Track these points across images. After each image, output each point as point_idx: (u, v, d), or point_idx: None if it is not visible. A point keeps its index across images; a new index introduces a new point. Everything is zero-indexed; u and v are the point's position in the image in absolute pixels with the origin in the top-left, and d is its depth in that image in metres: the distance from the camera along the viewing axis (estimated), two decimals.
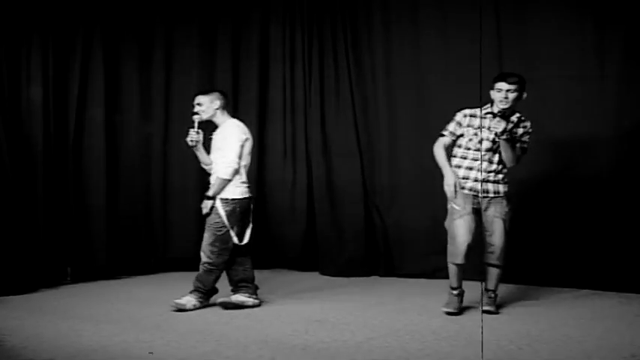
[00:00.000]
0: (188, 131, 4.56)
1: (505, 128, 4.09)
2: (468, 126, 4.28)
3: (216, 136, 4.63)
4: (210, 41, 6.44)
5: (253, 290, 4.63)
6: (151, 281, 5.76)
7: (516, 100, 4.18)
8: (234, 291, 4.60)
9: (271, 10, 6.48)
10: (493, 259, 4.24)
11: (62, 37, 5.56)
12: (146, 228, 6.15)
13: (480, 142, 4.23)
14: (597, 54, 4.94)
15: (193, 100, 4.67)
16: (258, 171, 6.48)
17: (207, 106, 4.59)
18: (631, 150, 4.82)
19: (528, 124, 4.26)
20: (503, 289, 4.94)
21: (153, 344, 3.58)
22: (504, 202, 4.24)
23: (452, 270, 4.30)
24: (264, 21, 6.50)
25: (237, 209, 4.49)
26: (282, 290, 5.26)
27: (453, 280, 4.30)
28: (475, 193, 4.23)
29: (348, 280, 5.68)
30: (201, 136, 4.57)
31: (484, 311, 4.09)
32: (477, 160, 4.24)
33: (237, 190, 4.49)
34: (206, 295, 4.52)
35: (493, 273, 4.29)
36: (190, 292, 4.48)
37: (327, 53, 6.21)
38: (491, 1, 5.39)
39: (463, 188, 4.25)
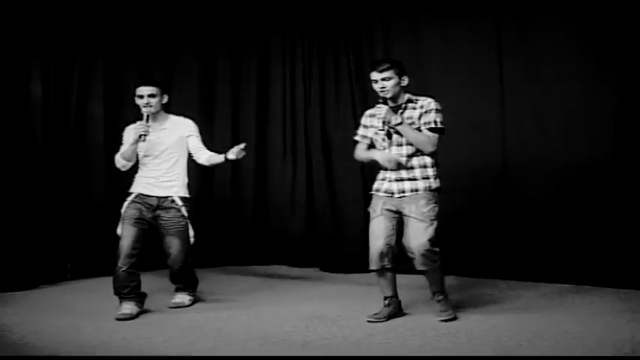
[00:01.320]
0: (142, 126, 4.22)
1: (387, 112, 3.85)
2: (371, 126, 4.10)
3: (167, 131, 4.37)
4: (211, 41, 6.44)
5: (143, 298, 4.34)
6: (151, 278, 5.74)
7: (397, 85, 3.94)
8: (126, 299, 4.26)
9: (272, 11, 6.48)
10: (417, 264, 3.84)
11: (62, 38, 5.57)
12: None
13: (389, 137, 3.96)
14: (597, 54, 4.93)
15: (135, 88, 4.36)
16: (258, 170, 6.49)
17: (159, 99, 4.34)
18: (631, 149, 4.81)
19: (426, 102, 3.96)
20: (503, 285, 4.95)
21: (153, 340, 3.58)
22: (422, 202, 3.87)
23: (376, 278, 4.04)
24: (265, 22, 6.50)
25: (190, 208, 4.47)
26: (282, 287, 5.27)
27: (381, 288, 4.05)
28: (389, 195, 3.95)
29: (348, 276, 5.68)
30: (149, 129, 4.25)
31: (442, 320, 3.85)
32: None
33: (187, 190, 4.48)
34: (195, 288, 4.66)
35: (429, 277, 3.96)
36: (179, 291, 4.58)
37: (327, 53, 6.21)
38: (492, 1, 5.38)
39: (378, 191, 4.02)
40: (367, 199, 6.00)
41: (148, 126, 4.22)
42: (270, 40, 6.51)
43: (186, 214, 4.38)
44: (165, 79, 6.28)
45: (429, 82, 5.67)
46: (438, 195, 3.99)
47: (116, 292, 4.23)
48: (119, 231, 4.30)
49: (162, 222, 4.34)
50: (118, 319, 4.06)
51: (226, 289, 5.19)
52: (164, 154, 4.37)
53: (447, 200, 5.47)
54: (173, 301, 4.49)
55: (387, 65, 3.96)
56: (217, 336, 3.66)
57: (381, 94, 3.96)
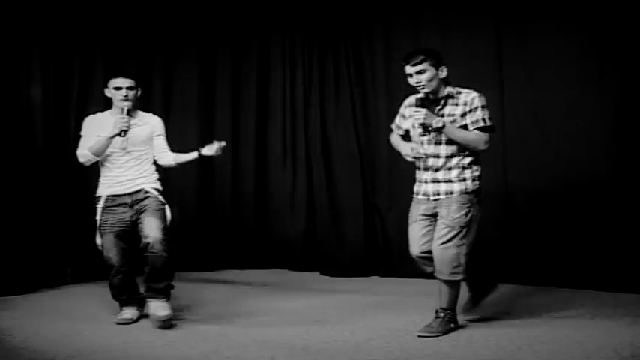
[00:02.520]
0: (123, 120, 4.02)
1: (426, 117, 3.54)
2: (410, 117, 3.74)
3: (140, 127, 4.17)
4: (211, 42, 6.45)
5: (143, 301, 4.18)
6: None
7: (435, 78, 3.60)
8: (127, 304, 4.18)
9: (272, 11, 6.49)
10: (436, 272, 3.65)
11: (62, 39, 5.58)
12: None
13: (423, 135, 3.68)
14: (597, 55, 4.94)
15: (108, 82, 4.19)
16: (258, 171, 6.50)
17: (136, 92, 4.13)
18: (631, 150, 4.82)
19: (469, 97, 3.61)
20: (504, 289, 4.95)
21: (153, 344, 3.58)
22: (454, 207, 3.61)
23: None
24: (265, 22, 6.51)
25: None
26: (282, 290, 5.26)
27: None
28: (427, 197, 3.73)
29: (348, 280, 5.69)
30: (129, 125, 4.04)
31: (419, 335, 3.58)
32: (430, 157, 3.70)
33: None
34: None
35: (442, 289, 3.70)
36: (157, 297, 4.01)
37: (326, 53, 6.22)
38: (492, 2, 5.39)
39: (418, 194, 3.81)
40: (367, 201, 6.08)
41: (128, 120, 4.00)
42: (271, 42, 6.52)
43: (164, 201, 4.15)
44: (166, 80, 6.30)
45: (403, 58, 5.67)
46: (476, 197, 3.68)
47: (115, 298, 4.18)
48: (98, 241, 4.09)
49: (139, 208, 4.05)
50: (119, 324, 4.02)
51: (226, 292, 5.19)
52: (135, 150, 4.14)
53: None
54: (160, 313, 3.91)
55: (421, 57, 3.60)
56: (217, 340, 3.66)
57: (421, 90, 3.64)
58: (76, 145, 5.67)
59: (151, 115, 4.34)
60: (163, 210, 4.10)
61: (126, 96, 4.05)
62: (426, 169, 3.76)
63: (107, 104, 5.85)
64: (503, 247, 5.26)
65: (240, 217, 6.45)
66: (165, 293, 4.03)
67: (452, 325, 3.71)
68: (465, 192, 3.65)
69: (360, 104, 6.07)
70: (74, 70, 5.69)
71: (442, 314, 3.70)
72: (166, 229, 4.03)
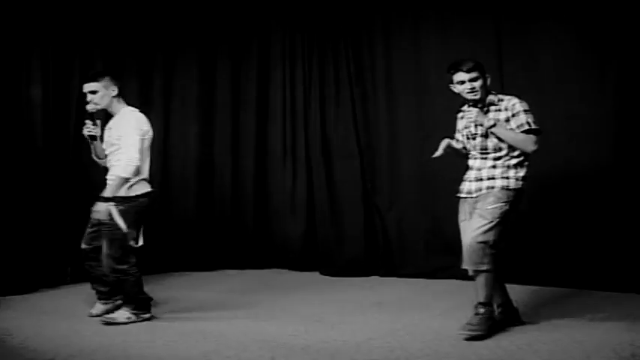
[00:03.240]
0: (84, 123, 4.10)
1: (477, 115, 3.65)
2: (462, 118, 3.92)
3: (113, 127, 4.10)
4: (211, 42, 6.45)
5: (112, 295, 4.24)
6: (151, 281, 5.74)
7: (485, 85, 3.72)
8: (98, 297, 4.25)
9: (272, 12, 6.49)
10: (463, 262, 3.65)
11: (62, 39, 5.58)
12: (145, 228, 6.13)
13: (472, 138, 3.80)
14: (597, 55, 4.94)
15: (80, 88, 4.18)
16: (258, 171, 6.50)
17: (102, 93, 4.03)
18: (631, 150, 4.82)
19: (511, 104, 3.72)
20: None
21: (153, 344, 3.58)
22: (492, 198, 3.63)
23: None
24: (265, 22, 6.51)
25: (133, 209, 3.98)
26: (282, 290, 5.26)
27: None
28: (470, 196, 3.78)
29: (348, 280, 5.69)
30: (99, 128, 4.07)
31: (465, 339, 3.52)
32: (475, 159, 3.81)
33: (133, 187, 4.00)
34: (139, 306, 4.07)
35: (476, 282, 3.68)
36: (123, 305, 4.10)
37: (327, 53, 6.22)
38: (492, 1, 5.40)
39: (461, 192, 3.87)
40: (367, 201, 6.08)
41: (94, 126, 4.04)
42: (271, 42, 6.52)
43: (114, 212, 3.89)
44: (166, 80, 6.29)
45: (429, 84, 5.68)
46: (515, 196, 3.70)
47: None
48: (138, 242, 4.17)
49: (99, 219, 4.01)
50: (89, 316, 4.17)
51: (226, 292, 5.19)
52: (112, 152, 4.08)
53: (445, 200, 5.52)
54: (108, 315, 4.06)
55: (473, 64, 3.69)
56: (218, 340, 3.66)
57: (471, 97, 3.72)
58: (75, 145, 5.71)
59: (129, 111, 4.15)
60: (114, 229, 3.90)
61: (89, 101, 4.07)
62: (472, 168, 3.84)
63: None
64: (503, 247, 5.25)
65: (240, 217, 6.45)
66: (126, 302, 4.06)
67: (491, 322, 3.64)
68: (507, 188, 3.69)
69: (360, 104, 6.07)
70: (74, 70, 5.68)
71: (482, 310, 3.63)
72: (116, 252, 3.94)
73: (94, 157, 4.28)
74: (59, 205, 5.55)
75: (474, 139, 3.80)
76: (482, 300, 3.65)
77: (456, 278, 5.37)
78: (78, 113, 5.72)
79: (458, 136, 4.01)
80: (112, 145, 4.07)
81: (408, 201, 5.82)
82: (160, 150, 6.24)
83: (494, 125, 3.66)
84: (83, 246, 4.23)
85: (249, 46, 6.51)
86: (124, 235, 3.95)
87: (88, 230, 4.20)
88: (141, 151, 4.01)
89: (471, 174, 3.84)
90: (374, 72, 6.01)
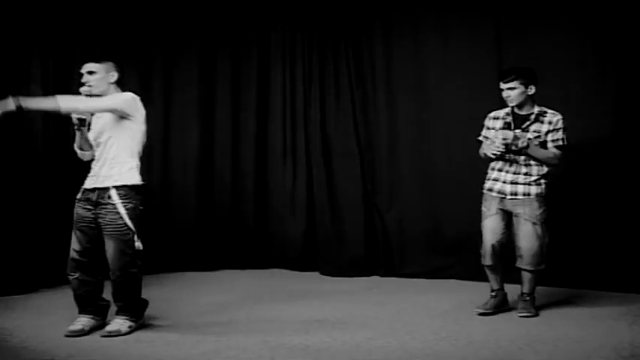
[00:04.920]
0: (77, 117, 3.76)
1: (514, 139, 4.05)
2: (493, 128, 4.28)
3: (105, 114, 3.74)
4: (211, 42, 6.45)
5: (104, 309, 3.91)
6: (150, 281, 5.74)
7: (523, 94, 4.12)
8: (84, 311, 3.86)
9: (272, 11, 6.49)
10: (522, 263, 4.13)
11: (62, 39, 5.58)
12: (146, 228, 6.13)
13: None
14: (597, 54, 4.95)
15: (79, 69, 3.87)
16: (258, 171, 6.50)
17: (101, 76, 3.72)
18: (631, 150, 4.82)
19: (555, 118, 4.13)
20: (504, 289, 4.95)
21: (153, 344, 3.58)
22: (535, 205, 4.11)
23: (486, 272, 4.29)
24: (265, 21, 6.51)
25: (138, 204, 3.76)
26: (282, 290, 5.26)
27: (491, 282, 4.29)
28: (502, 196, 4.18)
29: (348, 280, 5.69)
30: (89, 114, 3.74)
31: (521, 316, 4.06)
32: (506, 161, 4.19)
33: (136, 175, 3.76)
34: (139, 312, 3.89)
35: (525, 277, 4.17)
36: (119, 313, 3.80)
37: (327, 53, 6.22)
38: (492, 1, 5.40)
39: (491, 190, 4.24)
40: (367, 201, 6.07)
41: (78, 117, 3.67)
42: (271, 42, 6.52)
43: (123, 211, 3.67)
44: (166, 80, 6.29)
45: (429, 83, 5.69)
46: (546, 201, 4.16)
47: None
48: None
49: (100, 220, 3.69)
50: (66, 336, 3.67)
51: (226, 292, 5.18)
52: (103, 138, 3.73)
53: (445, 200, 5.52)
54: (107, 328, 3.72)
55: (513, 76, 4.11)
56: (218, 340, 3.66)
57: (509, 103, 4.17)
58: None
59: (124, 93, 3.79)
60: (123, 225, 3.67)
61: (85, 82, 3.73)
62: (507, 171, 4.21)
63: None
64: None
65: (240, 217, 6.45)
66: (123, 310, 3.79)
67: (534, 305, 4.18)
68: (542, 195, 4.16)
69: (360, 104, 6.07)
70: (74, 70, 5.68)
71: (528, 298, 4.16)
72: (126, 254, 3.69)
73: (76, 148, 3.86)
74: (59, 205, 5.54)
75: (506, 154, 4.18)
76: (527, 291, 4.17)
77: (456, 278, 5.39)
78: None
79: (488, 134, 4.30)
80: (102, 133, 3.73)
81: (408, 201, 5.82)
82: (160, 150, 6.26)
83: (527, 146, 4.07)
84: (78, 258, 3.74)
85: (249, 46, 6.51)
86: (133, 235, 3.72)
87: (81, 238, 3.75)
88: (133, 135, 3.74)
89: (507, 176, 4.20)
90: (374, 72, 6.01)
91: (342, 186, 6.10)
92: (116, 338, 3.69)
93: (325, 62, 6.24)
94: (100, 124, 3.78)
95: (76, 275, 3.75)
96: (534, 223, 4.10)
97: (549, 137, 4.12)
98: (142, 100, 6.01)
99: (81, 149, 3.88)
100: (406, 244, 5.83)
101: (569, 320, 3.95)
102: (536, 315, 4.10)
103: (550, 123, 4.12)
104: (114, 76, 3.78)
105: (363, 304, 4.61)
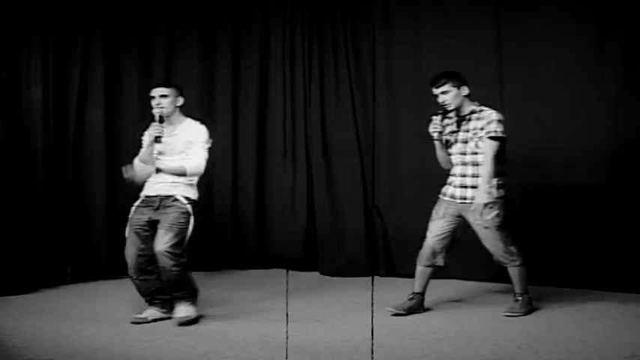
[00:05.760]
0: (156, 128, 4.11)
1: (438, 129, 4.14)
2: (444, 125, 4.27)
3: (180, 134, 4.23)
4: (210, 41, 6.45)
5: (170, 303, 4.17)
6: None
7: (457, 96, 4.16)
8: (150, 304, 4.19)
9: (271, 9, 6.49)
10: (499, 262, 4.17)
11: (62, 37, 5.59)
12: None
13: (448, 144, 4.23)
14: (597, 54, 4.94)
15: (150, 91, 4.27)
16: (258, 171, 6.49)
17: (171, 100, 4.21)
18: (631, 150, 4.82)
19: (487, 113, 4.11)
20: (503, 288, 4.95)
21: (153, 344, 3.58)
22: (487, 209, 4.04)
23: (416, 272, 4.33)
24: (264, 21, 6.50)
25: (195, 211, 4.25)
26: (282, 290, 5.26)
27: (415, 282, 4.31)
28: (454, 200, 4.18)
29: (348, 280, 5.68)
30: (164, 130, 4.13)
31: (505, 315, 4.07)
32: (458, 164, 4.18)
33: (196, 192, 4.31)
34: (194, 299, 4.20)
35: (510, 274, 4.19)
36: (180, 301, 4.11)
37: (327, 53, 6.22)
38: (492, 1, 5.40)
39: (444, 194, 4.25)
40: (367, 199, 6.06)
41: (162, 127, 4.11)
42: (270, 41, 6.51)
43: (190, 210, 4.17)
44: (165, 80, 6.28)
45: (429, 82, 5.68)
46: (502, 201, 4.10)
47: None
48: (127, 234, 4.19)
49: (159, 217, 4.11)
50: (132, 322, 4.05)
51: (226, 293, 5.19)
52: (174, 157, 4.21)
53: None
54: (178, 314, 4.08)
55: (443, 80, 4.17)
56: (218, 340, 3.66)
57: (445, 107, 4.19)
58: (75, 144, 5.71)
59: (196, 123, 4.32)
60: (184, 226, 4.10)
61: (158, 104, 4.18)
62: (455, 174, 4.23)
63: (107, 104, 5.92)
64: None
65: (240, 217, 6.45)
66: (182, 298, 4.10)
67: (530, 307, 4.19)
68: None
69: (360, 104, 6.06)
70: (74, 70, 5.68)
71: (520, 298, 4.16)
72: (178, 243, 4.03)
73: (138, 161, 4.21)
74: (59, 205, 5.55)
75: (455, 142, 4.21)
76: (519, 291, 4.17)
77: (456, 278, 5.38)
78: (78, 113, 5.73)
79: (439, 129, 4.26)
80: (175, 150, 4.20)
81: (408, 201, 5.82)
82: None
83: (439, 133, 4.19)
84: (139, 261, 4.07)
85: (249, 46, 6.50)
86: (186, 233, 4.14)
87: (139, 242, 4.09)
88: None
89: (455, 180, 4.22)
90: (374, 72, 6.00)
91: (342, 186, 6.10)
92: (117, 338, 3.70)
93: (325, 62, 6.24)
94: (174, 147, 4.22)
95: (137, 276, 4.10)
96: (486, 227, 4.07)
97: (484, 131, 4.08)
98: (142, 100, 6.07)
99: (145, 162, 4.21)
100: (406, 244, 5.81)
101: (569, 320, 3.95)
102: (525, 314, 4.10)
103: (482, 119, 4.12)
104: (180, 101, 4.28)
105: (363, 304, 4.60)
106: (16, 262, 5.08)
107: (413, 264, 5.69)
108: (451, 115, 4.25)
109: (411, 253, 5.75)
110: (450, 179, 4.27)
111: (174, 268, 3.99)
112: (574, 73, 5.03)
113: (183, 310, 4.07)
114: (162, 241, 3.98)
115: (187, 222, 4.13)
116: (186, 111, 6.29)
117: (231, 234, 6.39)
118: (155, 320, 4.09)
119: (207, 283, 5.45)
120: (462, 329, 3.79)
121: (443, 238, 4.20)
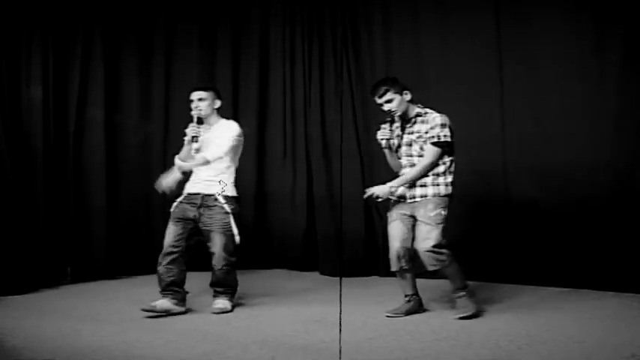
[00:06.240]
0: (194, 129, 4.39)
1: (387, 137, 4.14)
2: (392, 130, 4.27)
3: (213, 136, 4.48)
4: (211, 41, 6.46)
5: (182, 296, 4.40)
6: (151, 281, 5.72)
7: (402, 102, 4.14)
8: (164, 295, 4.34)
9: (271, 9, 6.50)
10: (426, 265, 4.04)
11: (62, 38, 5.59)
12: (146, 228, 6.15)
13: (395, 149, 4.23)
14: (597, 54, 4.95)
15: (190, 94, 4.51)
16: (258, 171, 6.50)
17: (209, 103, 4.48)
18: (631, 150, 4.82)
19: (432, 117, 4.11)
20: (503, 289, 4.96)
21: (153, 344, 3.58)
22: (430, 206, 4.05)
23: (397, 277, 4.27)
24: (264, 21, 6.52)
25: (238, 208, 4.52)
26: (282, 290, 5.27)
27: (402, 287, 4.26)
28: (403, 200, 4.17)
29: (348, 280, 5.69)
30: (202, 132, 4.44)
31: (458, 317, 3.99)
32: (406, 166, 4.19)
33: (234, 189, 4.51)
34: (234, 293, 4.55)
35: (446, 275, 4.12)
36: (220, 296, 4.46)
37: (327, 53, 6.23)
38: (492, 1, 5.40)
39: (395, 196, 4.21)
40: (367, 199, 6.04)
41: (199, 128, 4.38)
42: (270, 42, 6.52)
43: (229, 210, 4.38)
44: (166, 80, 6.30)
45: (429, 82, 5.69)
46: (448, 200, 4.11)
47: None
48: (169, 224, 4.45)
49: (205, 219, 4.39)
50: (143, 309, 4.20)
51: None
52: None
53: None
54: (216, 306, 4.40)
55: (384, 89, 4.14)
56: (218, 340, 3.66)
57: (392, 114, 4.16)
58: (75, 144, 5.71)
59: (229, 121, 4.58)
60: (229, 226, 4.38)
61: (196, 107, 4.45)
62: (404, 173, 4.21)
63: (106, 105, 5.92)
64: (502, 247, 5.26)
65: (240, 217, 6.43)
66: (223, 293, 4.46)
67: (472, 299, 4.17)
68: (438, 195, 4.10)
69: (360, 104, 6.07)
70: (74, 70, 5.69)
71: (461, 293, 4.11)
72: (230, 246, 4.39)
73: (178, 160, 4.48)
74: (59, 205, 5.55)
75: (399, 146, 4.23)
76: (456, 286, 4.12)
77: None
78: (78, 113, 5.74)
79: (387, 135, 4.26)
80: (210, 149, 4.44)
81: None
82: (160, 149, 6.26)
83: (387, 140, 4.18)
84: (171, 249, 4.34)
85: (249, 46, 6.51)
86: (232, 230, 4.39)
87: (178, 230, 4.38)
88: (234, 156, 4.49)
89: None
90: (374, 72, 6.00)
91: (342, 186, 6.10)
92: (117, 338, 3.70)
93: (325, 62, 6.25)
94: (209, 146, 4.45)
95: (165, 263, 4.33)
96: (428, 224, 4.02)
97: (427, 135, 4.09)
98: (143, 100, 6.09)
99: (184, 161, 4.48)
100: None
101: (569, 320, 3.95)
102: (478, 313, 4.06)
103: (427, 122, 4.11)
104: (218, 104, 4.52)
105: (363, 304, 4.61)
106: (16, 262, 5.09)
107: (413, 264, 5.73)
108: (397, 119, 4.23)
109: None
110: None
111: (224, 268, 4.39)
112: (574, 73, 5.03)
113: (222, 303, 4.41)
114: (218, 245, 4.36)
115: (229, 221, 4.38)
116: (186, 111, 6.40)
117: None
118: (164, 311, 4.22)
119: (206, 283, 5.46)
120: (462, 329, 3.79)
121: (404, 240, 4.13)
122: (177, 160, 4.50)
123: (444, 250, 4.01)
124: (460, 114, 5.42)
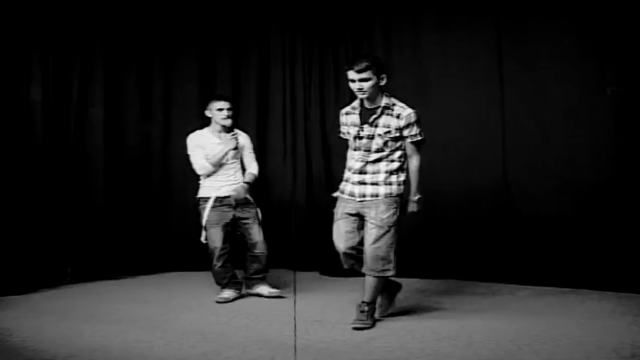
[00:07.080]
0: (234, 136, 4.90)
1: (358, 125, 3.85)
2: (345, 124, 4.01)
3: (238, 137, 5.00)
4: (211, 41, 6.45)
5: (240, 285, 4.97)
6: (151, 281, 5.76)
7: (375, 86, 3.79)
8: (226, 287, 4.90)
9: (272, 10, 6.48)
10: (365, 268, 3.86)
11: (62, 37, 5.59)
12: (146, 228, 6.15)
13: (359, 138, 3.90)
14: (597, 54, 4.94)
15: (215, 102, 4.94)
16: (258, 172, 6.48)
17: (232, 112, 4.95)
18: (631, 150, 4.82)
19: (405, 113, 3.83)
20: (503, 289, 4.95)
21: (153, 344, 3.58)
22: (382, 207, 3.82)
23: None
24: (265, 21, 6.50)
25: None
26: (282, 290, 5.26)
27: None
28: (353, 198, 3.91)
29: (348, 280, 5.68)
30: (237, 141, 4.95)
31: (355, 328, 3.82)
32: (359, 160, 3.91)
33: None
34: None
35: (367, 283, 3.91)
36: (263, 282, 4.96)
37: (327, 53, 6.22)
38: (492, 1, 5.40)
39: (343, 192, 3.99)
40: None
41: (236, 137, 4.92)
42: (270, 41, 6.51)
43: (253, 202, 5.01)
44: (166, 80, 6.30)
45: (429, 82, 5.68)
46: (400, 201, 3.93)
47: (217, 283, 4.90)
48: (203, 239, 4.91)
49: (242, 216, 4.89)
50: (218, 302, 4.70)
51: None
52: (233, 160, 4.98)
53: (445, 200, 5.52)
54: (269, 290, 4.89)
55: (366, 64, 3.75)
56: (218, 340, 3.66)
57: (359, 95, 3.83)
58: (75, 145, 5.71)
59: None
60: (257, 213, 4.98)
61: (228, 116, 4.91)
62: (354, 169, 3.96)
63: (107, 105, 5.91)
64: (502, 247, 5.26)
65: None
66: (263, 279, 4.97)
67: (375, 317, 4.00)
68: (390, 195, 3.88)
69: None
70: (74, 70, 5.69)
71: (366, 308, 3.92)
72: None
73: (212, 165, 4.89)
74: (59, 205, 5.55)
75: (360, 138, 3.91)
76: (368, 300, 3.93)
77: (456, 278, 5.38)
78: (78, 113, 5.73)
79: (343, 129, 4.07)
80: (231, 154, 4.94)
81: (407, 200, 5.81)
82: (160, 149, 6.26)
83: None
84: (222, 251, 4.86)
85: (249, 47, 6.51)
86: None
87: (223, 234, 4.85)
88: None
89: (353, 176, 3.96)
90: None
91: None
92: (116, 338, 3.70)
93: (325, 62, 6.24)
94: (233, 150, 5.00)
95: (220, 264, 4.85)
96: (380, 227, 3.80)
97: (405, 133, 3.83)
98: (142, 100, 6.09)
99: (215, 167, 4.89)
100: (405, 244, 5.80)
101: (569, 320, 3.95)
102: (372, 326, 3.87)
103: (399, 117, 3.82)
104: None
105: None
106: (16, 262, 5.09)
107: (412, 264, 5.73)
108: (355, 105, 3.93)
109: (410, 253, 5.77)
110: (347, 175, 4.01)
111: (265, 252, 4.92)
112: (574, 74, 5.03)
113: (271, 288, 4.93)
114: (259, 234, 4.91)
115: (259, 213, 5.02)
116: (186, 111, 6.42)
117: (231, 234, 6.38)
118: (233, 299, 4.79)
119: (206, 283, 5.46)
120: (462, 329, 3.79)
121: (347, 240, 3.92)
122: (206, 163, 4.85)
123: (391, 258, 3.85)
124: (460, 114, 5.45)
